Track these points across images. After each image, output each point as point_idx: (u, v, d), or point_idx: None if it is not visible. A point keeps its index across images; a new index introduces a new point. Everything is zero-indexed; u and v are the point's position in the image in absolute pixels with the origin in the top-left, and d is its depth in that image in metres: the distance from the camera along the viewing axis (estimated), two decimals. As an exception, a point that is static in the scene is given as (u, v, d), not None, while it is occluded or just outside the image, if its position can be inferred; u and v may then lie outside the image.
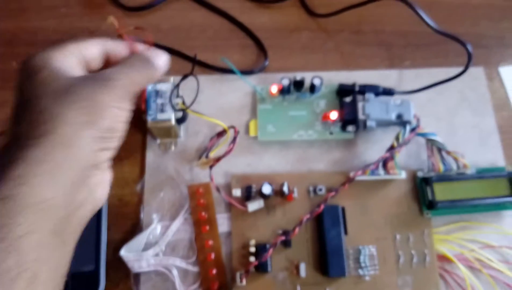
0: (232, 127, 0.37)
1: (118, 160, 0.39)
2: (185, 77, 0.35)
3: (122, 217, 0.38)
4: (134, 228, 0.37)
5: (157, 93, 0.36)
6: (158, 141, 0.39)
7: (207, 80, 0.42)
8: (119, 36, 0.32)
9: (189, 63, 0.43)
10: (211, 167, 0.37)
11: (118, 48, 0.29)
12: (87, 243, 0.36)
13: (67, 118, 0.22)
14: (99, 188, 0.24)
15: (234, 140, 0.36)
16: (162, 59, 0.30)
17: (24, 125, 0.22)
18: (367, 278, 0.36)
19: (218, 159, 0.36)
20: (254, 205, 0.36)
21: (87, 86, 0.24)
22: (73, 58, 0.26)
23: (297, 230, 0.34)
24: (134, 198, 0.38)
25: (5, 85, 0.43)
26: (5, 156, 0.21)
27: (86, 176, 0.23)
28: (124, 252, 0.35)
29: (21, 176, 0.20)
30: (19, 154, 0.21)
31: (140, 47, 0.30)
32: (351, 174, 0.36)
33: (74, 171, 0.22)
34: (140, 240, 0.36)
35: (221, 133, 0.39)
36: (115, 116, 0.24)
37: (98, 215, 0.36)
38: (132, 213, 0.38)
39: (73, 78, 0.24)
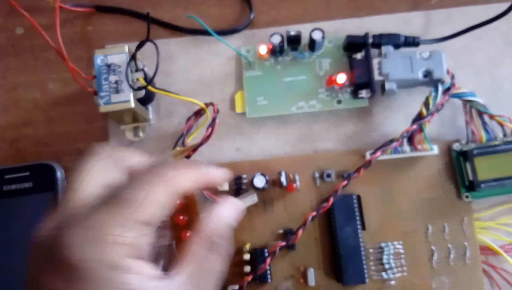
0: (211, 104, 0.29)
1: (77, 154, 0.32)
2: (141, 44, 0.27)
3: (88, 223, 0.31)
4: (103, 236, 0.31)
5: (109, 68, 0.28)
6: (122, 127, 0.31)
7: (178, 45, 0.33)
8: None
9: (153, 24, 0.34)
10: (187, 157, 0.29)
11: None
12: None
13: None
14: None
15: (213, 122, 0.28)
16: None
17: None
18: (392, 282, 0.29)
19: (195, 149, 0.28)
20: (246, 201, 0.29)
21: None
22: None
23: (300, 233, 0.27)
24: (100, 199, 0.31)
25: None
26: None
27: None
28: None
29: None
30: None
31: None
32: (367, 156, 0.28)
33: None
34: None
35: (200, 112, 0.31)
36: None
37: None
38: (99, 218, 0.31)
39: None
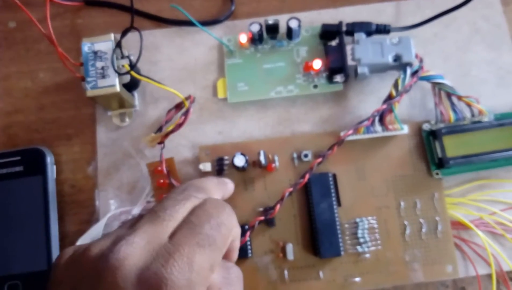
0: (188, 97, 0.30)
1: (66, 139, 0.34)
2: (125, 32, 0.28)
3: (77, 205, 0.32)
4: (91, 217, 0.32)
5: (96, 55, 0.30)
6: (110, 113, 0.33)
7: (163, 35, 0.35)
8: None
9: (138, 16, 0.36)
10: (160, 144, 0.30)
11: None
12: (36, 239, 0.31)
13: None
14: None
15: (187, 112, 0.29)
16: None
17: None
18: (367, 255, 0.30)
19: (166, 135, 0.29)
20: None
21: None
22: None
23: (278, 207, 0.29)
24: (89, 182, 0.33)
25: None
26: None
27: None
28: (79, 247, 0.30)
29: None
30: None
31: None
32: (342, 135, 0.30)
33: None
34: (97, 230, 0.31)
35: (180, 105, 0.32)
36: None
37: (45, 207, 0.31)
38: (88, 200, 0.32)
39: None
